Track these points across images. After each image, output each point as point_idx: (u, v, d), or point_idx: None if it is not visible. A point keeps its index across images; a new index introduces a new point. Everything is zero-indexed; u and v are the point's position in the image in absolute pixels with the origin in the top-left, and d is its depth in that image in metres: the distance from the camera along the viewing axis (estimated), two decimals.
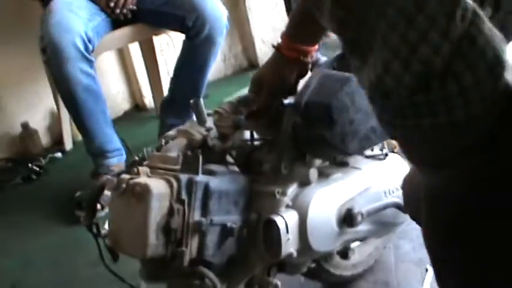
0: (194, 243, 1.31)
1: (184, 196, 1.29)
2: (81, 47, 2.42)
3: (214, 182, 1.33)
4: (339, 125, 1.36)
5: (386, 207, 1.56)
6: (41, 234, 2.53)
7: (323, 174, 1.48)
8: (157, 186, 1.28)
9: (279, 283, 1.41)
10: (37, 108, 3.27)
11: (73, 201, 2.61)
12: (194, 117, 2.75)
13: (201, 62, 2.68)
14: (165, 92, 3.27)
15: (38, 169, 3.04)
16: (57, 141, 3.31)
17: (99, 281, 2.13)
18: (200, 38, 2.60)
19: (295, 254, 1.38)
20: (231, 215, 1.37)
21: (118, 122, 2.96)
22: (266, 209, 1.39)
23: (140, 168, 1.33)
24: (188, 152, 1.36)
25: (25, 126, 3.15)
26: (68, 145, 3.24)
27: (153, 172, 1.34)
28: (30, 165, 3.04)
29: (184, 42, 2.70)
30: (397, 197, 1.59)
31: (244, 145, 1.51)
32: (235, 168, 1.47)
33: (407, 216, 1.55)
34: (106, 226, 1.57)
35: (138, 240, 1.27)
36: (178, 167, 1.34)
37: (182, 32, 2.69)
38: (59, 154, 3.19)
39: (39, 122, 3.27)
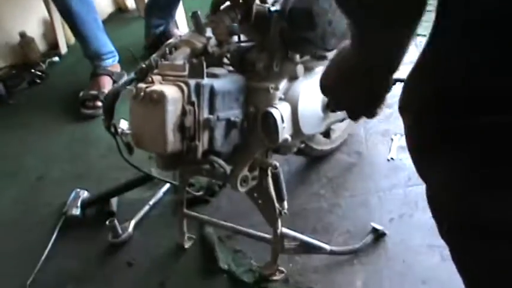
0: (205, 137, 1.37)
1: (194, 98, 1.33)
2: None
3: (218, 84, 1.37)
4: (319, 27, 1.40)
5: None
6: (55, 132, 2.57)
7: (307, 69, 1.52)
8: (171, 92, 1.31)
9: (277, 163, 1.49)
10: (31, 17, 3.20)
11: (77, 100, 2.63)
12: (177, 19, 2.74)
13: None
14: None
15: (40, 73, 3.02)
16: (53, 47, 3.25)
17: (111, 170, 2.21)
18: None
19: (289, 139, 1.45)
20: (233, 110, 1.42)
21: (104, 25, 2.92)
22: (262, 102, 1.44)
23: (154, 76, 1.36)
24: (193, 60, 1.39)
25: (23, 35, 3.09)
26: (63, 49, 3.20)
27: (164, 79, 1.37)
28: (33, 70, 3.01)
29: None
30: None
31: (238, 48, 1.54)
32: (232, 70, 1.50)
33: None
34: (121, 125, 1.62)
35: (159, 139, 1.32)
36: (185, 73, 1.36)
37: None
38: (56, 58, 3.15)
39: (34, 30, 3.20)
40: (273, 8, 1.46)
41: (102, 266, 1.81)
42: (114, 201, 2.00)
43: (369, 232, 1.62)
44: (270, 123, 1.42)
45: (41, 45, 3.22)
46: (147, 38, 2.88)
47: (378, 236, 1.62)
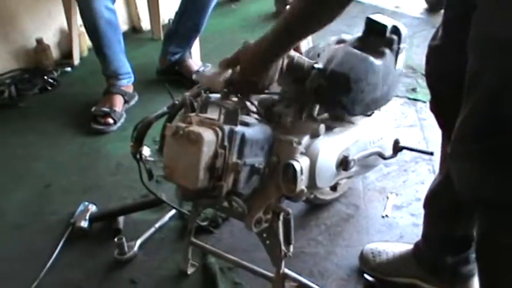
0: (230, 179, 1.51)
1: (226, 143, 1.47)
2: None
3: (249, 132, 1.52)
4: (353, 93, 1.57)
5: (371, 154, 1.79)
6: (64, 141, 2.68)
7: (327, 128, 1.68)
8: (208, 134, 1.45)
9: (290, 210, 1.64)
10: (49, 25, 3.32)
11: (89, 114, 2.76)
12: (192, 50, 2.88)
13: (205, 2, 2.79)
14: (161, 16, 3.40)
15: (52, 81, 3.13)
16: (66, 56, 3.37)
17: (118, 188, 2.34)
18: None
19: (305, 191, 1.60)
20: (258, 157, 1.56)
21: None
22: (285, 154, 1.59)
23: (192, 117, 1.51)
24: (229, 107, 1.54)
25: (39, 41, 3.21)
26: (76, 60, 3.33)
27: (201, 121, 1.51)
28: (45, 77, 3.12)
29: None
30: (378, 146, 1.82)
31: (265, 100, 1.70)
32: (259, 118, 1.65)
33: (382, 161, 1.80)
34: (144, 152, 1.76)
35: (191, 175, 1.46)
36: (221, 119, 1.51)
37: None
38: (68, 68, 3.27)
39: (50, 38, 3.32)
40: (316, 65, 1.62)
41: (106, 280, 1.92)
42: (121, 219, 2.12)
43: (362, 282, 1.77)
44: (290, 174, 1.57)
45: (54, 54, 3.33)
46: (161, 62, 3.03)
47: (369, 287, 1.77)
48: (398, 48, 1.72)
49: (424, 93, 2.77)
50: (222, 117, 1.53)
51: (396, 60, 1.72)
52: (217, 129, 1.47)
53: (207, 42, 3.22)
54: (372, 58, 1.63)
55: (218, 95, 1.69)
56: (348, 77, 1.57)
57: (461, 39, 1.17)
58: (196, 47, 3.08)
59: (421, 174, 2.25)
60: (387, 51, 1.69)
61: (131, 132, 1.72)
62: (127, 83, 2.82)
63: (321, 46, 1.90)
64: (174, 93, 2.85)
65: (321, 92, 1.61)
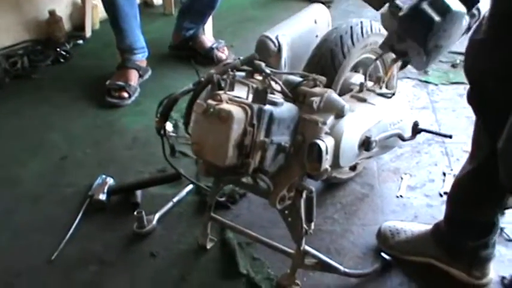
0: (257, 156, 1.54)
1: (255, 121, 1.50)
2: None
3: (276, 111, 1.54)
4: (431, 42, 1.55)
5: (391, 136, 1.82)
6: (78, 114, 2.70)
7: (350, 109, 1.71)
8: (237, 112, 1.47)
9: (313, 188, 1.66)
10: None
11: (103, 87, 2.77)
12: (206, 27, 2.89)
13: None
14: None
15: (64, 53, 3.13)
16: (77, 28, 3.37)
17: (134, 162, 2.37)
18: None
19: (329, 170, 1.63)
20: (284, 136, 1.59)
21: None
22: (310, 133, 1.61)
23: (222, 95, 1.53)
24: (259, 87, 1.56)
25: (52, 13, 3.20)
26: (88, 33, 3.33)
27: (231, 99, 1.53)
28: (58, 49, 3.12)
29: None
30: (398, 128, 1.85)
31: (290, 80, 1.72)
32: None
33: (401, 143, 1.84)
34: (167, 128, 1.78)
35: (220, 152, 1.49)
36: (250, 98, 1.53)
37: None
38: (80, 41, 3.27)
39: (62, 10, 3.31)
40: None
41: (126, 253, 1.95)
42: (138, 193, 2.15)
43: (378, 260, 1.82)
44: (315, 153, 1.59)
45: (66, 26, 3.32)
46: (174, 37, 3.04)
47: (386, 265, 1.81)
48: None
49: (436, 76, 2.80)
50: (250, 95, 1.56)
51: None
52: (247, 107, 1.50)
53: (219, 20, 3.22)
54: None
55: (243, 73, 1.71)
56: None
57: (508, 35, 1.18)
58: (209, 24, 3.09)
59: (434, 156, 2.28)
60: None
61: (156, 108, 1.72)
62: (141, 57, 2.83)
63: (343, 27, 1.92)
64: (188, 68, 2.91)
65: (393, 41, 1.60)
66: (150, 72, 2.90)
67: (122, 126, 2.58)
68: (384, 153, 2.04)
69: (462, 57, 2.83)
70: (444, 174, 2.19)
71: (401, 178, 2.18)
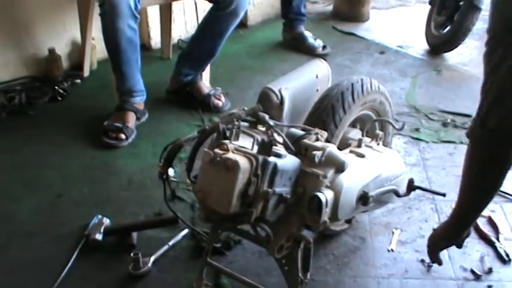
0: (260, 206, 1.61)
1: (259, 172, 1.58)
2: (132, 5, 2.62)
3: (280, 163, 1.62)
4: None
5: (387, 191, 1.91)
6: (75, 153, 2.75)
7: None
8: (243, 162, 1.56)
9: (311, 239, 1.74)
10: (62, 36, 3.40)
11: (100, 128, 2.83)
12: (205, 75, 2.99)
13: (222, 29, 2.90)
14: (173, 38, 3.52)
15: (62, 91, 3.19)
16: (75, 67, 3.44)
17: (130, 203, 2.43)
18: (227, 11, 2.83)
19: (328, 222, 1.71)
20: (286, 187, 1.67)
21: None
22: (310, 185, 1.70)
23: (229, 145, 1.61)
24: (264, 139, 1.65)
25: (51, 51, 3.28)
26: (86, 72, 3.40)
27: (237, 149, 1.61)
28: (56, 87, 3.19)
29: (212, 11, 2.90)
30: (394, 184, 1.94)
31: (293, 132, 1.81)
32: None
33: (396, 198, 1.92)
34: (170, 173, 1.85)
35: (225, 201, 1.56)
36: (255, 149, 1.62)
37: (211, 1, 2.90)
38: (78, 80, 3.35)
39: (62, 49, 3.39)
40: None
41: None
42: (134, 234, 2.20)
43: None
44: (315, 206, 1.67)
45: (64, 64, 3.40)
46: (172, 81, 3.13)
47: None
48: None
49: (427, 134, 2.91)
50: (255, 146, 1.64)
51: None
52: (252, 158, 1.58)
53: (216, 66, 3.32)
54: None
55: (246, 124, 1.80)
56: None
57: None
58: (207, 71, 3.18)
59: (425, 212, 2.37)
60: None
61: (161, 153, 1.79)
62: (140, 100, 2.91)
63: (344, 83, 2.03)
64: (184, 113, 2.99)
65: None
66: (147, 115, 2.97)
67: (118, 167, 2.64)
68: (379, 207, 2.13)
69: (453, 117, 2.98)
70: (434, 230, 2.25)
71: (393, 232, 2.26)
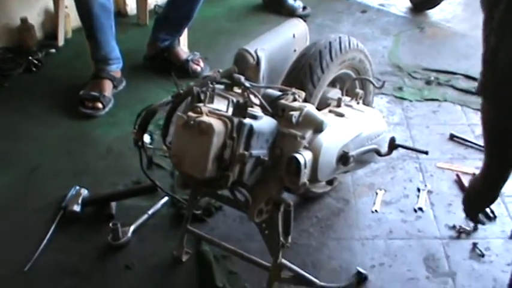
0: (236, 169, 1.58)
1: (234, 134, 1.54)
2: None
3: (256, 125, 1.58)
4: None
5: (368, 151, 1.87)
6: (50, 124, 2.69)
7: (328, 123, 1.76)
8: (218, 125, 1.52)
9: (291, 202, 1.71)
10: (34, 4, 3.30)
11: (76, 97, 2.78)
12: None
13: None
14: (149, 4, 3.44)
15: (36, 62, 3.12)
16: (50, 37, 3.36)
17: (108, 173, 2.38)
18: None
19: (307, 184, 1.68)
20: (263, 149, 1.63)
21: None
22: (288, 147, 1.66)
23: (203, 108, 1.56)
24: (239, 100, 1.61)
25: (24, 20, 3.20)
26: (61, 42, 3.32)
27: (211, 112, 1.57)
28: (30, 58, 3.11)
29: None
30: (375, 143, 1.91)
31: (270, 93, 1.77)
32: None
33: (378, 158, 1.89)
34: (145, 140, 1.81)
35: (200, 165, 1.52)
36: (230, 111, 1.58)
37: None
38: (53, 50, 3.27)
39: (35, 18, 3.30)
40: None
41: (101, 265, 1.97)
42: (113, 204, 2.17)
43: (353, 274, 1.87)
44: (294, 167, 1.64)
45: (38, 34, 3.32)
46: (149, 48, 3.06)
47: (361, 279, 1.86)
48: None
49: (410, 93, 2.88)
50: (230, 108, 1.60)
51: None
52: (227, 120, 1.54)
53: (194, 31, 3.25)
54: None
55: (222, 86, 1.76)
56: None
57: None
58: (184, 36, 3.12)
59: (409, 172, 2.35)
60: None
61: (134, 119, 1.75)
62: (116, 68, 2.85)
63: (322, 42, 1.98)
64: (163, 80, 2.94)
65: None
66: (124, 83, 2.92)
67: (96, 137, 2.59)
68: (361, 168, 2.10)
69: (436, 74, 2.94)
70: (418, 190, 2.25)
71: (376, 193, 2.24)
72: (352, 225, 2.11)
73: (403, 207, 2.17)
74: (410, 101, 2.81)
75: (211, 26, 3.51)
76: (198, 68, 3.00)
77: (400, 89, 2.89)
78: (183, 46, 3.12)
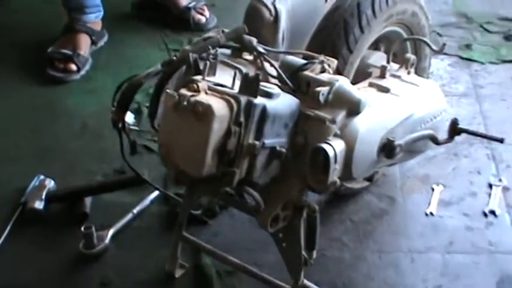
0: (244, 164, 1.54)
1: (242, 118, 1.50)
2: None
3: (271, 105, 1.54)
4: None
5: (421, 138, 1.83)
6: (9, 91, 2.70)
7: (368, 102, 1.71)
8: (219, 107, 1.47)
9: (316, 207, 1.67)
10: None
11: (44, 56, 2.76)
12: None
13: None
14: None
15: None
16: None
17: (83, 157, 2.39)
18: None
19: (338, 182, 1.64)
20: (280, 137, 1.59)
21: None
22: (314, 135, 1.62)
23: (200, 84, 1.52)
24: (248, 73, 1.56)
25: None
26: None
27: (211, 89, 1.53)
28: None
29: None
30: (430, 127, 1.86)
31: (290, 61, 1.72)
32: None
33: (433, 145, 1.85)
34: (127, 120, 1.78)
35: (195, 159, 1.49)
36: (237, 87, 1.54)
37: None
38: None
39: None
40: None
41: (68, 282, 1.96)
42: (88, 200, 2.16)
43: None
44: (321, 161, 1.60)
45: None
46: None
47: None
48: None
49: (482, 52, 2.82)
50: (237, 82, 1.56)
51: None
52: (232, 100, 1.49)
53: None
54: None
55: (228, 51, 1.72)
56: None
57: None
58: None
59: (477, 161, 2.31)
60: None
61: (113, 93, 1.72)
62: (95, 18, 2.84)
63: None
64: (155, 33, 2.91)
65: None
66: (106, 38, 2.93)
67: (68, 108, 2.60)
68: (411, 159, 2.05)
69: None
70: (490, 186, 2.21)
71: (432, 189, 2.20)
72: (398, 233, 2.08)
73: (469, 209, 2.14)
74: (482, 63, 2.76)
75: None
76: (202, 18, 2.99)
77: (468, 47, 2.84)
78: None
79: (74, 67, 2.72)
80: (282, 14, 1.90)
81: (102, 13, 2.86)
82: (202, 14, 2.99)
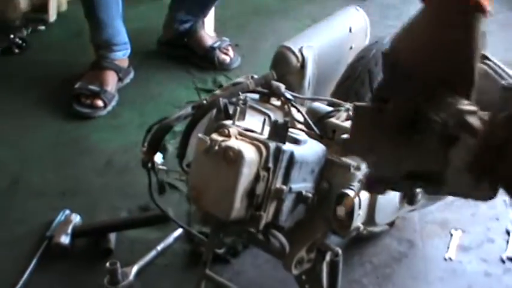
0: (272, 208, 1.59)
1: (271, 164, 1.54)
2: None
3: (298, 151, 1.59)
4: None
5: None
6: (36, 126, 2.74)
7: None
8: (249, 152, 1.52)
9: (339, 250, 1.72)
10: None
11: (71, 92, 2.81)
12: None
13: None
14: None
15: (20, 42, 3.17)
16: (38, 10, 3.40)
17: (107, 193, 2.41)
18: None
19: (361, 228, 1.68)
20: (306, 183, 1.63)
21: None
22: (339, 180, 1.66)
23: (231, 129, 1.57)
24: (278, 120, 1.61)
25: None
26: (52, 17, 3.38)
27: (241, 134, 1.58)
28: (11, 36, 3.16)
29: None
30: None
31: (317, 109, 1.77)
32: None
33: None
34: (156, 160, 1.83)
35: (224, 202, 1.53)
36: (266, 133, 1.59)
37: None
38: (42, 27, 3.32)
39: None
40: None
41: None
42: (113, 236, 2.20)
43: None
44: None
45: (23, 5, 3.36)
46: (166, 30, 3.10)
47: None
48: None
49: None
50: (266, 129, 1.61)
51: None
52: (262, 146, 1.54)
53: (223, 9, 3.27)
54: None
55: (255, 95, 1.77)
56: None
57: None
58: (210, 16, 3.15)
59: (495, 208, 2.34)
60: None
61: (144, 135, 1.78)
62: (122, 55, 2.90)
63: (386, 40, 1.98)
64: (181, 72, 2.96)
65: None
66: (132, 75, 2.97)
67: (93, 144, 2.63)
68: (432, 204, 2.09)
69: None
70: (508, 233, 2.24)
71: (451, 234, 2.23)
72: (418, 277, 2.10)
73: (487, 255, 2.16)
74: None
75: (245, 4, 3.52)
76: (227, 58, 3.04)
77: None
78: (207, 29, 3.14)
79: (100, 103, 2.76)
80: (308, 60, 1.96)
81: (129, 51, 2.92)
82: (226, 54, 3.04)
